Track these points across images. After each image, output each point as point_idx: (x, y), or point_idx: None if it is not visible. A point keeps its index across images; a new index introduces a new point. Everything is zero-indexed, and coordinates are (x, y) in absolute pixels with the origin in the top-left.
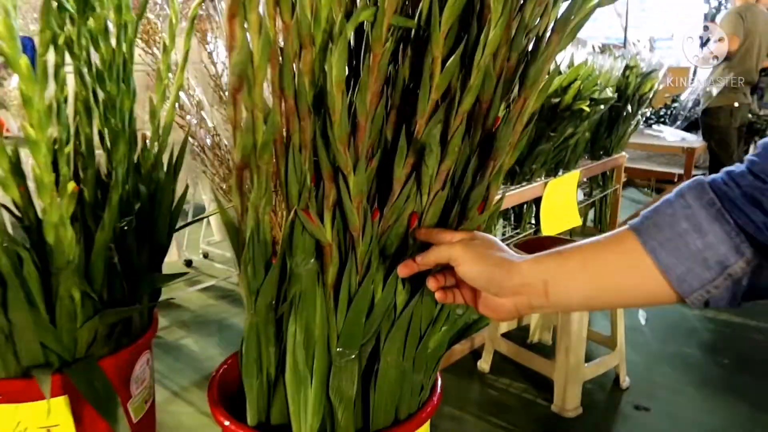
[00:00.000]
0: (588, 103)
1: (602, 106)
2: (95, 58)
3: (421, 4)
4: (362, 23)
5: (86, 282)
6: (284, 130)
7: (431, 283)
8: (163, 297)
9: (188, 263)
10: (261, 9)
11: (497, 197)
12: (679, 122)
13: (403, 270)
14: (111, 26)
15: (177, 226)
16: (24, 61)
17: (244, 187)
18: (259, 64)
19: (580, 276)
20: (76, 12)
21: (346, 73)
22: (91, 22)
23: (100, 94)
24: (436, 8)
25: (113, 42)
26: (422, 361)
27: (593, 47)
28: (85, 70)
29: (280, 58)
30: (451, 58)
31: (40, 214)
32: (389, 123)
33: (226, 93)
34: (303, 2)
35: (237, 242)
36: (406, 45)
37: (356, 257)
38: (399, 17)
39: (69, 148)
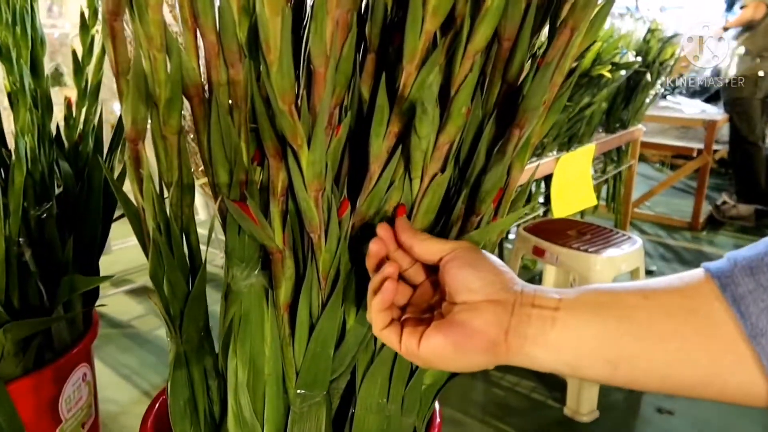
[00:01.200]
0: (609, 68)
1: (623, 73)
2: None
3: None
4: None
5: None
6: (204, 81)
7: (374, 246)
8: (139, 282)
9: None
10: None
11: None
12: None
13: (375, 244)
14: None
15: (117, 214)
16: None
17: (142, 167)
18: None
19: (600, 313)
20: None
21: None
22: None
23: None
24: None
25: None
26: (414, 401)
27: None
28: None
29: None
30: None
31: None
32: (364, 73)
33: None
34: None
35: (143, 244)
36: None
37: (318, 267)
38: None
39: None
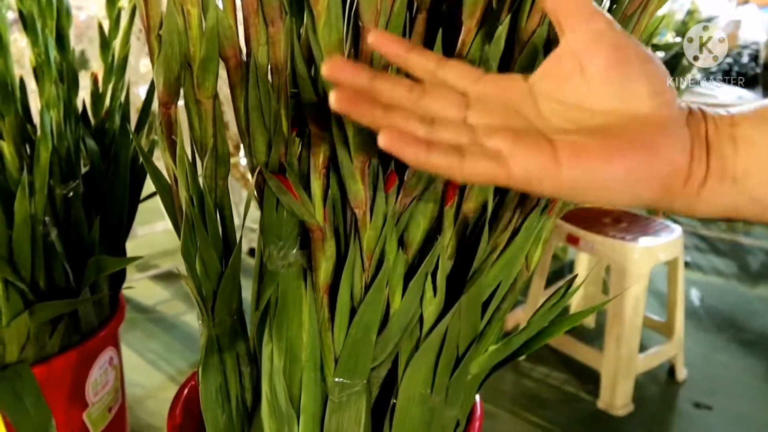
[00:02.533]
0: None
1: (662, 54)
2: None
3: None
4: None
5: (9, 267)
6: (242, 41)
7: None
8: (165, 267)
9: None
10: None
11: None
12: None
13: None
14: None
15: (144, 195)
16: None
17: (174, 133)
18: None
19: None
20: None
21: None
22: None
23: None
24: None
25: None
26: (458, 392)
27: None
28: None
29: None
30: None
31: None
32: (414, 34)
33: None
34: None
35: (175, 220)
36: None
37: (362, 247)
38: None
39: None
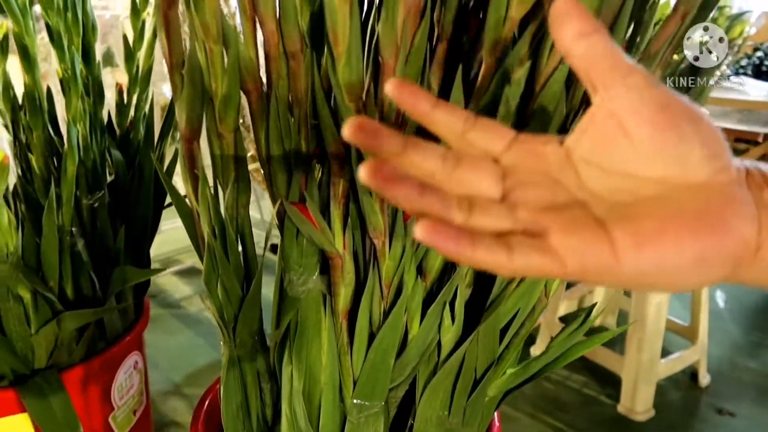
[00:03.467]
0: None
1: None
2: None
3: None
4: None
5: (38, 278)
6: (262, 74)
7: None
8: (189, 263)
9: None
10: None
11: None
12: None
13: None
14: None
15: (167, 202)
16: None
17: (197, 167)
18: None
19: None
20: None
21: None
22: None
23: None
24: None
25: None
26: (476, 413)
27: None
28: None
29: None
30: None
31: None
32: (435, 64)
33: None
34: None
35: (197, 246)
36: None
37: (381, 275)
38: None
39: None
